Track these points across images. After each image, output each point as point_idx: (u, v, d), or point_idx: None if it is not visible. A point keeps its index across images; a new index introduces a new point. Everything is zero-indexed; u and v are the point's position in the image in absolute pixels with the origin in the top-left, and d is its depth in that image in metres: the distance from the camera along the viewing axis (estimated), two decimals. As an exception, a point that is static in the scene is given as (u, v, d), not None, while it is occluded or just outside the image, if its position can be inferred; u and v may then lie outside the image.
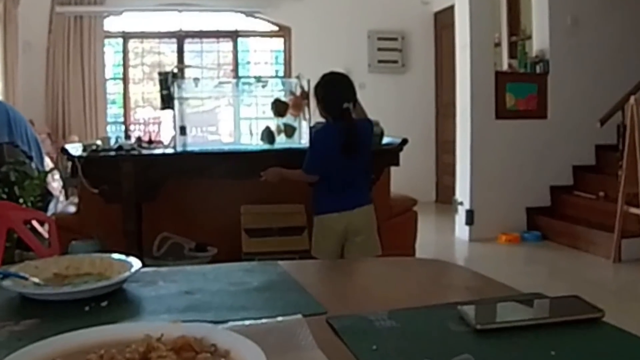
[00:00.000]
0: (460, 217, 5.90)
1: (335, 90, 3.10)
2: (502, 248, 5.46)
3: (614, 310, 0.85)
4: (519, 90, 5.91)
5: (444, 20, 7.58)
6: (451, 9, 6.35)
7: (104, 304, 0.90)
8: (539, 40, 6.16)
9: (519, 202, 5.78)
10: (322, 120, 3.20)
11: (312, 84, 3.44)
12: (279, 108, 3.45)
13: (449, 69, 6.59)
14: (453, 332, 0.79)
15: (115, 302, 0.92)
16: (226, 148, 3.32)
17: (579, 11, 5.76)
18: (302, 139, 3.40)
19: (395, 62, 7.96)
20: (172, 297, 0.97)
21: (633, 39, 5.88)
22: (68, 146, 3.43)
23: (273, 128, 3.52)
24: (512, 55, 6.72)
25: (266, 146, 3.38)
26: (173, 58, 7.62)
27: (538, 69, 6.02)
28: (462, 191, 5.91)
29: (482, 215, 5.69)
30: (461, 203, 5.88)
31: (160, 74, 3.71)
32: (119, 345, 0.64)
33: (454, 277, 1.22)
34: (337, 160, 3.02)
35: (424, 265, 1.28)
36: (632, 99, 4.68)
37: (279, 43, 7.92)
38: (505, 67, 6.48)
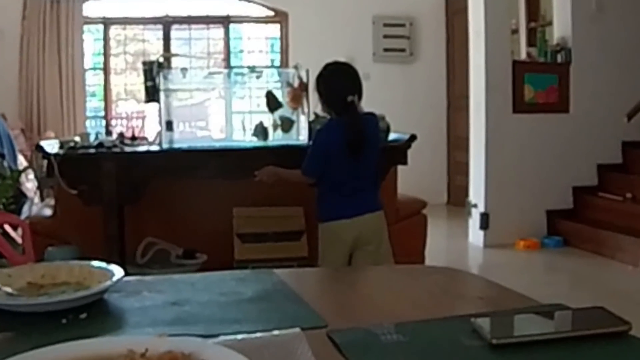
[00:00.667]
0: (474, 220, 5.90)
1: (338, 82, 3.09)
2: (520, 255, 5.47)
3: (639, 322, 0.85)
4: (538, 81, 5.92)
5: (456, 5, 7.57)
6: (464, -8, 6.35)
7: (83, 316, 0.89)
8: (560, 27, 6.17)
9: (538, 204, 5.77)
10: (323, 115, 3.20)
11: (312, 75, 3.43)
12: (270, 102, 3.44)
13: (462, 58, 6.59)
14: (466, 347, 0.79)
15: (95, 314, 0.91)
16: (217, 145, 3.31)
17: (604, -5, 5.76)
18: (301, 135, 3.39)
19: (402, 50, 7.96)
20: (158, 309, 0.95)
21: (664, 26, 5.89)
22: (43, 143, 3.40)
23: (269, 123, 3.51)
24: (530, 43, 6.74)
25: (260, 143, 3.38)
26: (159, 46, 7.55)
27: (559, 59, 6.02)
28: (476, 192, 5.91)
29: (498, 218, 5.69)
30: (475, 205, 5.89)
31: (144, 63, 3.69)
32: None
33: (467, 287, 1.22)
34: (343, 161, 2.99)
35: (434, 273, 1.28)
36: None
37: (274, 29, 7.89)
38: (523, 56, 6.49)
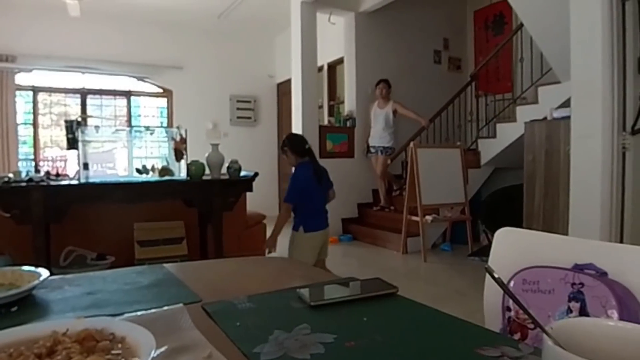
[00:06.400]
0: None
1: (297, 138, 3.20)
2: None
3: (404, 287, 0.90)
4: (335, 138, 6.17)
5: (284, 89, 7.76)
6: (289, 81, 6.50)
7: (14, 309, 0.79)
8: (349, 104, 6.50)
9: (336, 214, 5.92)
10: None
11: (190, 133, 3.34)
12: (177, 155, 3.30)
13: (287, 123, 6.72)
14: (294, 309, 0.79)
15: (24, 307, 0.81)
16: (121, 180, 3.09)
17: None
18: (181, 173, 3.26)
19: (249, 118, 7.99)
20: (77, 298, 0.87)
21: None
22: (-17, 179, 3.00)
23: (159, 165, 3.34)
24: (331, 114, 6.97)
25: (153, 178, 3.20)
26: (77, 109, 6.93)
27: (348, 124, 6.34)
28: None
29: (312, 224, 5.81)
30: (298, 216, 5.97)
31: (66, 121, 3.38)
32: (28, 343, 0.56)
33: (294, 269, 1.23)
34: (313, 189, 3.00)
35: (272, 262, 1.27)
36: (411, 144, 5.00)
37: (163, 101, 7.58)
38: (326, 122, 6.71)
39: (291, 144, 3.13)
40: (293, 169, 3.15)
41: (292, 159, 3.12)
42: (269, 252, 3.06)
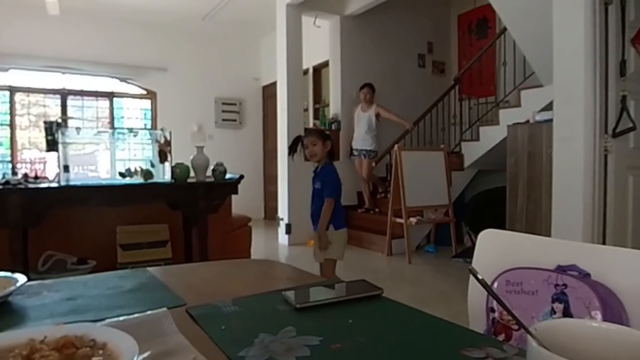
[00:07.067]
0: (282, 229, 5.97)
1: (331, 142, 3.09)
2: (311, 249, 5.50)
3: (389, 288, 0.90)
4: (320, 141, 6.15)
5: (269, 92, 7.75)
6: (274, 84, 6.50)
7: (-11, 316, 0.74)
8: (334, 107, 6.52)
9: (322, 217, 5.96)
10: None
11: (174, 136, 3.31)
12: (161, 156, 3.27)
13: (273, 126, 6.71)
14: (280, 311, 0.78)
15: (0, 314, 0.77)
16: (104, 182, 3.04)
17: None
18: (166, 175, 3.23)
19: (234, 120, 7.95)
20: (56, 304, 0.83)
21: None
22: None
23: (141, 167, 3.29)
24: (316, 117, 6.97)
25: (137, 181, 3.16)
26: (57, 110, 6.78)
27: (333, 127, 6.35)
28: (283, 211, 5.98)
29: (297, 227, 5.81)
30: (282, 219, 5.97)
31: (45, 122, 3.32)
32: (3, 351, 0.53)
33: (279, 271, 1.22)
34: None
35: (258, 264, 1.26)
36: (395, 147, 5.03)
37: (147, 103, 7.49)
38: (311, 125, 6.71)
39: (328, 140, 3.05)
40: (317, 165, 3.07)
41: (321, 154, 3.03)
42: (324, 249, 2.99)
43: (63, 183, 2.89)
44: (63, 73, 6.72)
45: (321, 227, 2.94)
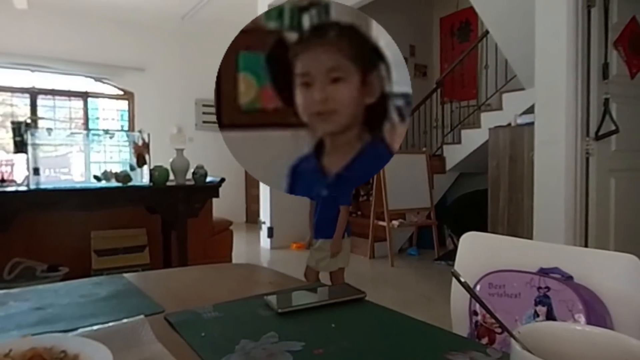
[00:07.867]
0: (264, 232, 5.94)
1: None
2: (293, 253, 5.56)
3: (371, 292, 0.90)
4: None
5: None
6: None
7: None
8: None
9: (303, 221, 5.90)
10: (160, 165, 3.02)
11: (153, 138, 3.27)
12: (139, 160, 3.22)
13: (254, 128, 6.68)
14: (261, 316, 0.78)
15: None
16: (77, 186, 2.98)
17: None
18: (144, 179, 3.18)
19: (215, 122, 7.88)
20: (23, 314, 0.80)
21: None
22: None
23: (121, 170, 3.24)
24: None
25: (113, 184, 3.10)
26: (26, 110, 6.52)
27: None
28: (265, 214, 5.96)
29: (279, 230, 5.79)
30: (264, 222, 5.94)
31: (13, 122, 3.23)
32: None
33: (261, 276, 1.21)
34: None
35: (239, 268, 1.25)
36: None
37: (124, 104, 7.38)
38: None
39: None
40: None
41: None
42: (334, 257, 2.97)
43: (32, 186, 2.82)
44: (32, 71, 6.52)
45: (338, 235, 2.93)
